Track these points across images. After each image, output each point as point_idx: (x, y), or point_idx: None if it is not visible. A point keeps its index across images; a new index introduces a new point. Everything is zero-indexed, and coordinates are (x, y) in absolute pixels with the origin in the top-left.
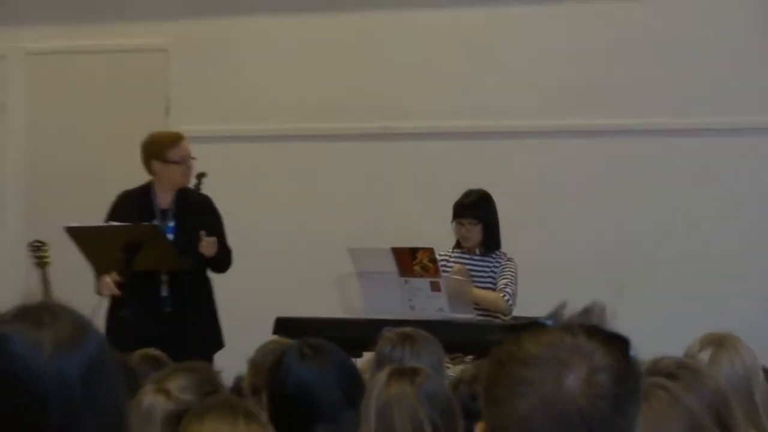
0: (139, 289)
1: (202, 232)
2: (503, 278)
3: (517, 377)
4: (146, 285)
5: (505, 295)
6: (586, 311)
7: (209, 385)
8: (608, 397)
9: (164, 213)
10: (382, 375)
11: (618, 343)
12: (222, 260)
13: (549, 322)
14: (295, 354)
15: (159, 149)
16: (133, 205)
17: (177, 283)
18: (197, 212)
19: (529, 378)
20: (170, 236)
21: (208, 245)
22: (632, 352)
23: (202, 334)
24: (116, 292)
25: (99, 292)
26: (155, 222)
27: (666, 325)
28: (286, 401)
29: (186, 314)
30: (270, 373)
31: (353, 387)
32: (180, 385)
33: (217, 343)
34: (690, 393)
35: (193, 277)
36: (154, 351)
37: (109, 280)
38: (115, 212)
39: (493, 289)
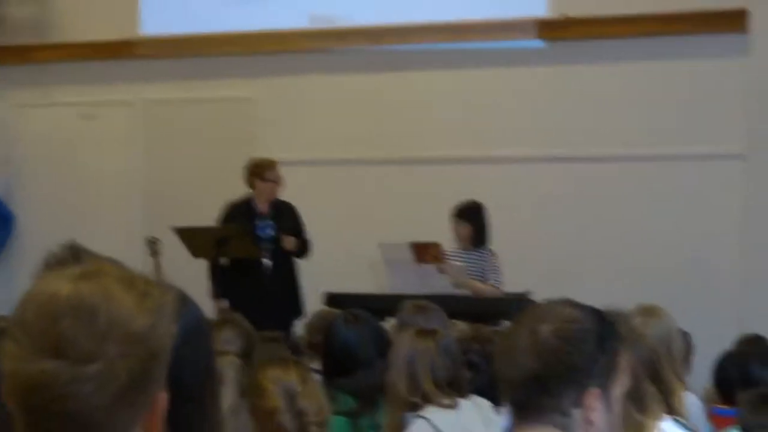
0: (241, 272)
1: (284, 236)
2: (492, 273)
3: (512, 325)
4: (248, 268)
5: (494, 284)
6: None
7: (243, 329)
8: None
9: (262, 216)
10: (410, 332)
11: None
12: (302, 251)
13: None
14: (341, 320)
15: (260, 171)
16: (239, 210)
17: (274, 266)
18: (287, 216)
19: (517, 326)
20: (272, 232)
21: (288, 242)
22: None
23: (285, 306)
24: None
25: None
26: (257, 222)
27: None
28: (335, 354)
29: (275, 289)
30: (323, 334)
31: (384, 344)
32: (226, 339)
33: (298, 313)
34: (629, 350)
35: (283, 262)
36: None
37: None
38: (227, 215)
39: (481, 279)
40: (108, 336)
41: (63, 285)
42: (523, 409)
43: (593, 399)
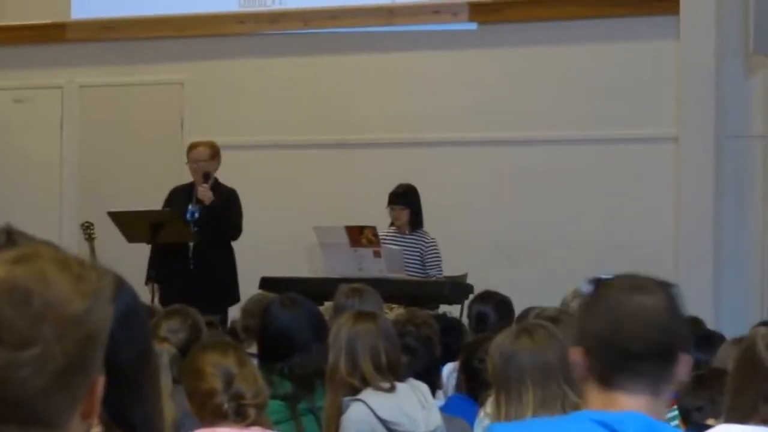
0: (169, 256)
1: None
2: (431, 261)
3: (610, 302)
4: (176, 252)
5: (435, 273)
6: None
7: (192, 322)
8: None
9: (196, 200)
10: (350, 315)
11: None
12: (226, 226)
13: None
14: (277, 304)
15: (187, 153)
16: (179, 194)
17: (200, 250)
18: (221, 199)
19: (617, 301)
20: (197, 214)
21: (204, 191)
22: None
23: (218, 290)
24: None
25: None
26: (191, 207)
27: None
28: (271, 338)
29: (206, 273)
30: (260, 318)
31: (320, 328)
32: (171, 328)
33: (233, 298)
34: (566, 332)
35: (214, 245)
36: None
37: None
38: (168, 199)
39: (420, 262)
40: (43, 319)
41: None
42: (644, 381)
43: (686, 365)
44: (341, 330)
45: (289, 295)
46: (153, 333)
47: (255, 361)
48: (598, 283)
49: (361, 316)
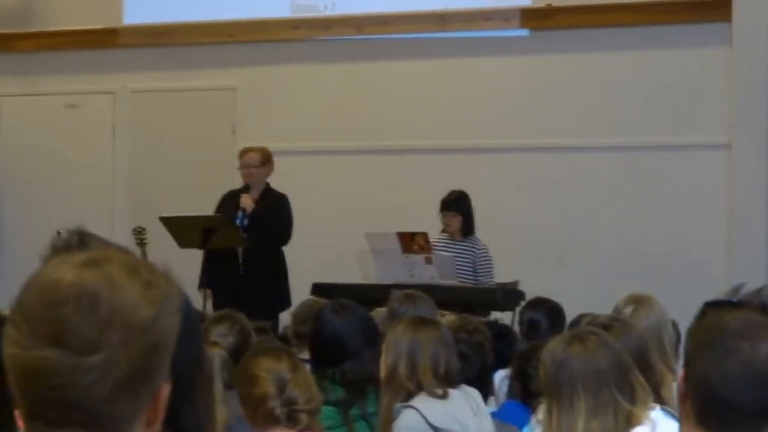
0: (220, 262)
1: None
2: (483, 268)
3: (720, 344)
4: (227, 257)
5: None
6: (759, 291)
7: (240, 327)
8: None
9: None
10: (409, 321)
11: None
12: (271, 233)
13: (734, 299)
14: (329, 310)
15: (239, 159)
16: (230, 199)
17: (250, 256)
18: (269, 205)
19: (730, 346)
20: (246, 221)
21: (244, 199)
22: None
23: (269, 296)
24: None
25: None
26: (240, 212)
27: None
28: (323, 344)
29: (257, 279)
30: (311, 323)
31: (372, 333)
32: (219, 333)
33: (284, 304)
34: (619, 339)
35: (264, 251)
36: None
37: None
38: (219, 205)
39: (471, 268)
40: (110, 325)
41: (66, 271)
42: None
43: None
44: (402, 335)
45: (341, 301)
46: (204, 338)
47: (307, 367)
48: (711, 308)
49: (422, 322)
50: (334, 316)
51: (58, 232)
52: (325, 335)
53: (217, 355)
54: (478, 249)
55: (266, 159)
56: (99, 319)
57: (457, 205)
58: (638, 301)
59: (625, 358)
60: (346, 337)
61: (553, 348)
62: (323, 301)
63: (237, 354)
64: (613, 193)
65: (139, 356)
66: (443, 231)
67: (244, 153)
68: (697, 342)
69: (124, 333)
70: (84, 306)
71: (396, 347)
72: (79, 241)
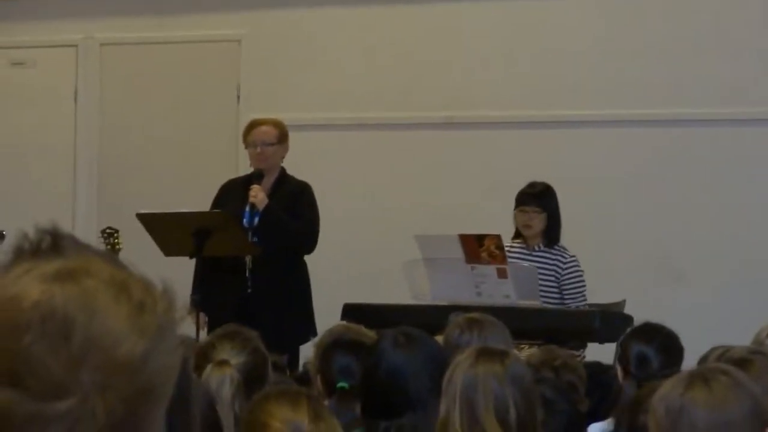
0: (219, 275)
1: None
2: (572, 287)
3: None
4: (229, 269)
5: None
6: None
7: (253, 346)
8: None
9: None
10: (470, 352)
11: None
12: (290, 236)
13: None
14: (390, 341)
15: (244, 135)
16: (234, 189)
17: (262, 268)
18: (289, 199)
19: None
20: (257, 219)
21: (256, 192)
22: None
23: (287, 321)
24: None
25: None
26: (248, 209)
27: (724, 312)
28: (378, 389)
29: (269, 299)
30: (364, 359)
31: (441, 375)
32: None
33: (306, 332)
34: (759, 379)
35: (280, 261)
36: None
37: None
38: (218, 197)
39: (555, 287)
40: (84, 362)
41: (31, 285)
42: None
43: None
44: (456, 371)
45: (406, 330)
46: (208, 357)
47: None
48: None
49: (484, 353)
50: (395, 350)
51: (24, 232)
52: (380, 376)
53: (227, 380)
54: (565, 261)
55: (283, 135)
56: (70, 352)
57: (541, 199)
58: None
59: (767, 404)
60: (411, 379)
61: (668, 392)
62: (357, 327)
63: (249, 382)
64: (743, 180)
65: (121, 405)
66: (516, 236)
67: (253, 127)
68: None
69: (103, 373)
70: (51, 334)
71: (448, 388)
72: (51, 244)
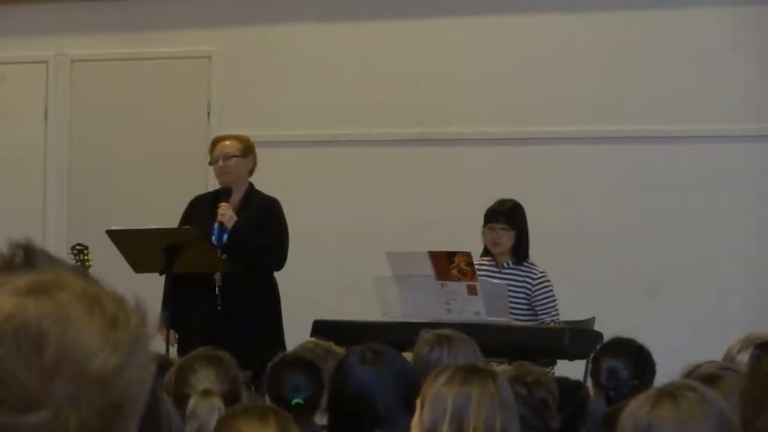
0: (189, 291)
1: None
2: (544, 303)
3: None
4: (198, 286)
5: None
6: None
7: (231, 373)
8: None
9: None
10: (457, 370)
11: None
12: (259, 253)
13: None
14: (357, 358)
15: (210, 151)
16: (202, 205)
17: (231, 284)
18: (257, 214)
19: None
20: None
21: (224, 210)
22: None
23: (256, 337)
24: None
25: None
26: (217, 226)
27: (696, 329)
28: (346, 406)
29: (239, 315)
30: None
31: (411, 393)
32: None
33: (275, 348)
34: (728, 395)
35: (249, 277)
36: None
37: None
38: (186, 213)
39: (527, 304)
40: (57, 374)
41: (5, 299)
42: None
43: None
44: (443, 389)
45: (373, 347)
46: (186, 384)
47: None
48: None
49: (474, 372)
50: (362, 367)
51: None
52: (347, 393)
53: (215, 410)
54: (535, 278)
55: (247, 149)
56: (44, 365)
57: (510, 217)
58: (761, 345)
59: (735, 422)
60: (378, 396)
61: (635, 410)
62: (326, 344)
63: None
64: (722, 193)
65: (94, 417)
66: (485, 254)
67: (216, 143)
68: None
69: (75, 386)
70: (23, 346)
71: (435, 405)
72: (24, 258)
